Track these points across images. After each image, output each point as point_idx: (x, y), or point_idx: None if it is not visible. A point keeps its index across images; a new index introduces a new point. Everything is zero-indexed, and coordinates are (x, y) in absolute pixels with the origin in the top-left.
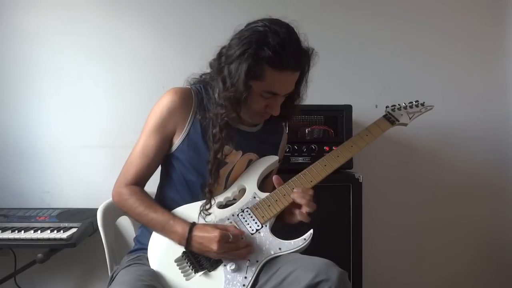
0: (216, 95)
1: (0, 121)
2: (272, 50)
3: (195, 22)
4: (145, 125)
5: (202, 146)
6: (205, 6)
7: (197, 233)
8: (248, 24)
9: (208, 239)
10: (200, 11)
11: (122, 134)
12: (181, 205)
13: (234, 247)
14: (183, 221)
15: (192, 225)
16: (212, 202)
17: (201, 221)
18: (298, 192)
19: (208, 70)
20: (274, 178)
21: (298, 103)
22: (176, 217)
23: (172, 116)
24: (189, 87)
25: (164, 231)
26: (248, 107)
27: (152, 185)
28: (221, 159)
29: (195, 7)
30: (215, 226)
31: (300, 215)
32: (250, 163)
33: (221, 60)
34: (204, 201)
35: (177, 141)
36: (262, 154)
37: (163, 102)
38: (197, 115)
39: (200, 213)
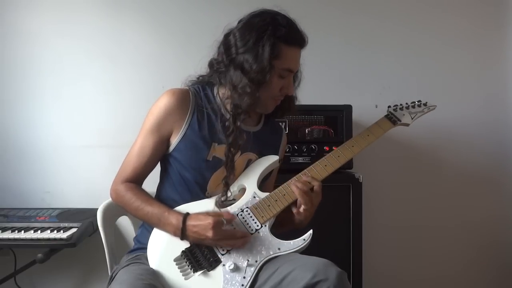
0: (222, 92)
1: (0, 121)
2: (285, 28)
3: (193, 22)
4: (142, 125)
5: (200, 145)
6: (203, 7)
7: (191, 222)
8: (241, 20)
9: (202, 227)
10: (199, 12)
11: (122, 134)
12: (181, 204)
13: (229, 235)
14: (177, 212)
15: (186, 215)
16: (229, 194)
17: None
18: (298, 182)
19: (203, 72)
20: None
21: (298, 85)
22: (171, 210)
23: (168, 117)
24: (187, 88)
25: (160, 224)
26: (265, 91)
27: (152, 186)
28: (235, 152)
29: (193, 7)
30: (207, 213)
31: (297, 213)
32: (249, 163)
33: (232, 51)
34: (207, 199)
35: (174, 141)
36: (261, 155)
37: (160, 103)
38: (194, 115)
39: (215, 204)
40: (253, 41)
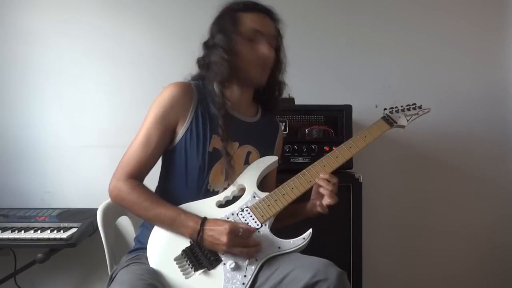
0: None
1: (0, 121)
2: (243, 2)
3: (194, 22)
4: (146, 118)
5: (202, 136)
6: (204, 6)
7: (208, 226)
8: None
9: (218, 231)
10: (200, 11)
11: (122, 134)
12: (182, 201)
13: (243, 243)
14: (195, 215)
15: (204, 219)
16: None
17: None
18: (324, 178)
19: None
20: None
21: (284, 68)
22: (187, 212)
23: (174, 107)
24: (189, 81)
25: (174, 225)
26: (244, 58)
27: (151, 184)
28: (229, 123)
29: (194, 6)
30: (226, 220)
31: (320, 207)
32: (248, 155)
33: (209, 42)
34: (208, 198)
35: (180, 131)
36: (259, 147)
37: (165, 94)
38: (198, 107)
39: (225, 170)
40: (217, 22)
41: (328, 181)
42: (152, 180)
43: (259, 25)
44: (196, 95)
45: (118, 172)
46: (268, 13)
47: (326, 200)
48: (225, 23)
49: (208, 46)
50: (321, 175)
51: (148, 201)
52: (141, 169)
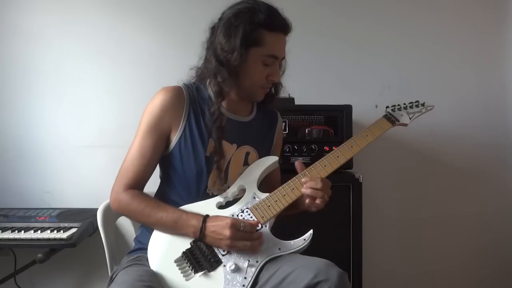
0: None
1: (1, 121)
2: (265, 14)
3: (193, 22)
4: (138, 127)
5: (198, 141)
6: (203, 7)
7: (210, 223)
8: (223, 13)
9: (220, 226)
10: (198, 12)
11: (122, 134)
12: (182, 205)
13: (246, 236)
14: (196, 214)
15: (206, 216)
16: (227, 189)
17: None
18: (309, 185)
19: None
20: (297, 163)
21: (282, 73)
22: (188, 212)
23: (165, 114)
24: (180, 85)
25: (176, 227)
26: (250, 80)
27: (152, 187)
28: (221, 136)
29: (193, 7)
30: (227, 216)
31: (312, 206)
32: (247, 156)
33: (210, 39)
34: (208, 199)
35: (174, 138)
36: (257, 146)
37: (155, 102)
38: (190, 111)
39: (216, 205)
40: (226, 29)
41: (316, 189)
42: (153, 181)
43: (278, 50)
44: (188, 99)
45: (117, 184)
46: (287, 32)
47: (312, 208)
48: (240, 33)
49: (217, 57)
50: (307, 185)
51: (149, 207)
52: (138, 180)
